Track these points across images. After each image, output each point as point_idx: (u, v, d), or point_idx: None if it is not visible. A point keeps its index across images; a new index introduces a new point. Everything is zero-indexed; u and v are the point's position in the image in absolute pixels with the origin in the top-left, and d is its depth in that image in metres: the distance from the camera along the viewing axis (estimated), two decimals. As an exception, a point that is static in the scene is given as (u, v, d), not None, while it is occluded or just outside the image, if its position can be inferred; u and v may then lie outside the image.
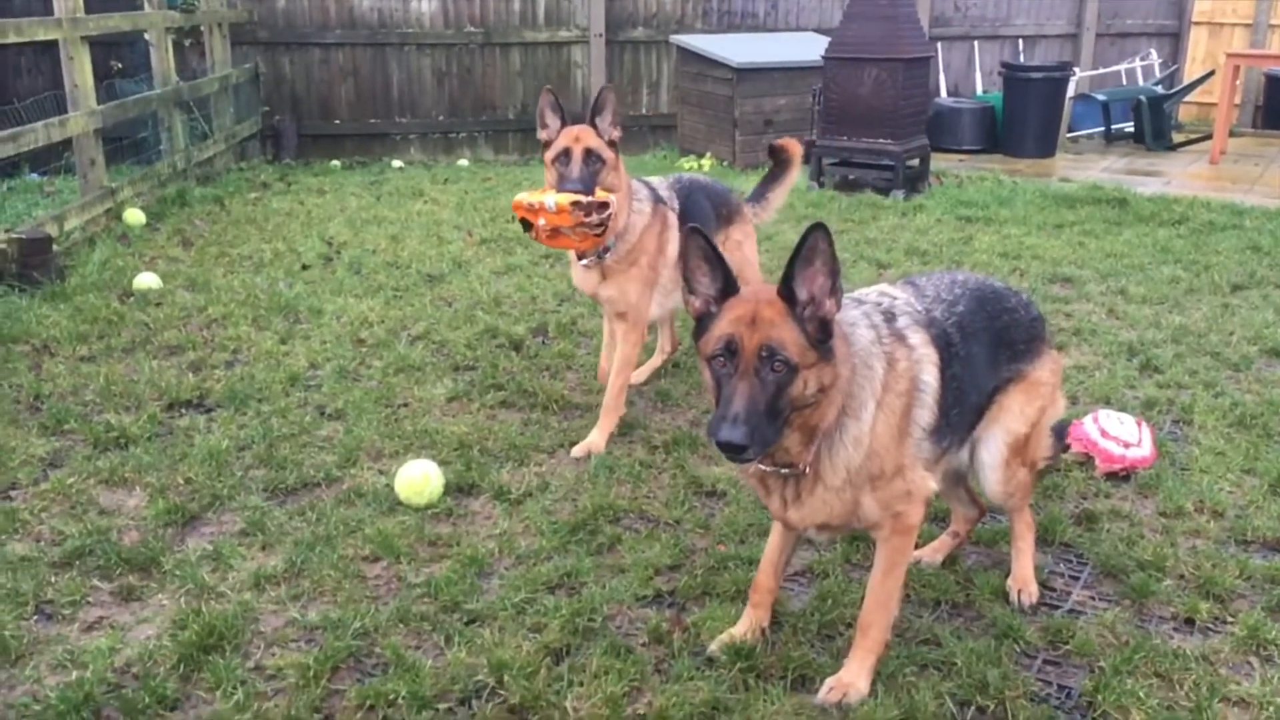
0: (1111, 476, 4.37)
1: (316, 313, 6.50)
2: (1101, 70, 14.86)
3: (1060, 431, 3.86)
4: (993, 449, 3.32)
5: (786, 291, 2.61)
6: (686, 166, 11.95)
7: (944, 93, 14.22)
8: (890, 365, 2.89)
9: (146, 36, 10.12)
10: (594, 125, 4.57)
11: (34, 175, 10.62)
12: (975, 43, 14.69)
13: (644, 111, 13.85)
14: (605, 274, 4.77)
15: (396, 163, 12.78)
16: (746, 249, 5.39)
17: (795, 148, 5.72)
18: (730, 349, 2.58)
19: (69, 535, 3.83)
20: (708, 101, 12.16)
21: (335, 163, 12.63)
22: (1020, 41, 14.91)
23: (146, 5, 10.00)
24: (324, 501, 4.14)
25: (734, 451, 2.52)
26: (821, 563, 3.74)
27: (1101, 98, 13.56)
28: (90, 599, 3.50)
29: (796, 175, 5.81)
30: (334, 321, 6.34)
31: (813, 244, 2.56)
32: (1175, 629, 3.39)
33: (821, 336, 2.62)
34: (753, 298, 2.64)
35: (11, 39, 7.60)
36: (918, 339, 2.99)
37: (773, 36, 13.29)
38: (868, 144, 10.31)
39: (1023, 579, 3.54)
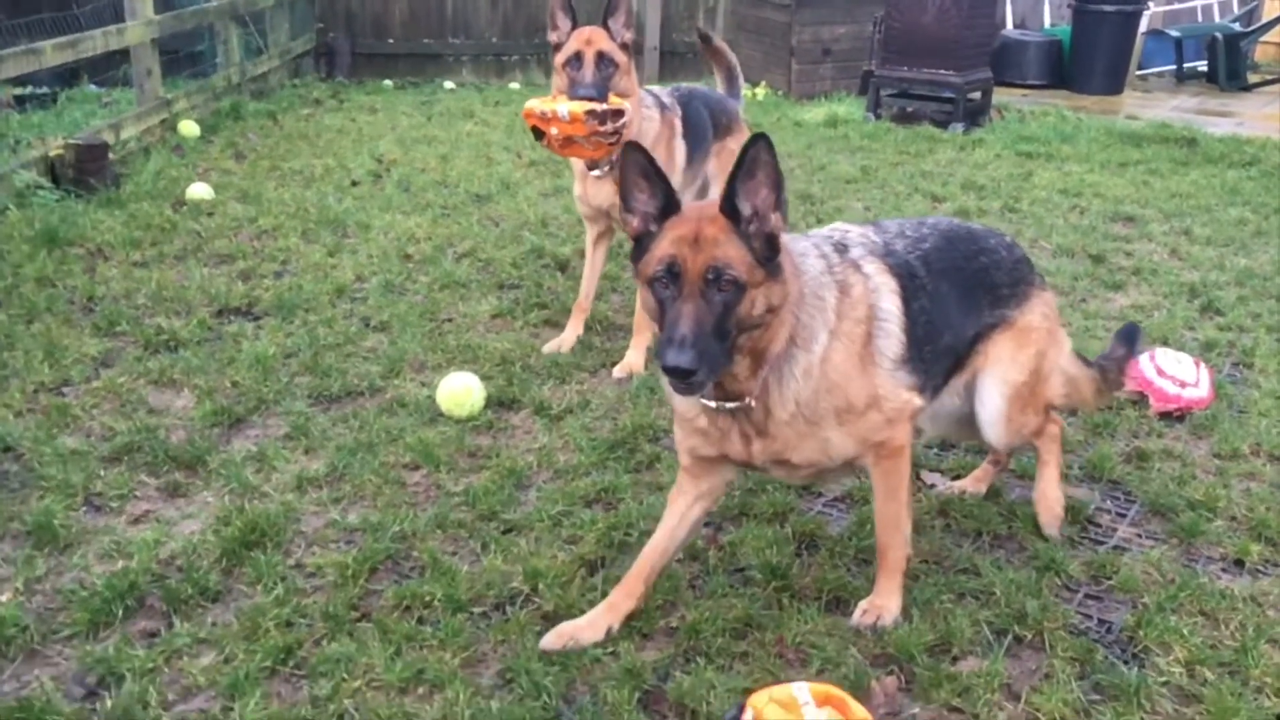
0: (1165, 416, 4.27)
1: (364, 228, 6.51)
2: (1176, 6, 14.32)
3: (1129, 337, 3.64)
4: (989, 402, 3.17)
5: (729, 207, 2.48)
6: (742, 95, 11.72)
7: (1010, 25, 13.80)
8: (843, 292, 2.74)
9: (203, -52, 10.07)
10: (606, 27, 4.44)
11: (93, 86, 10.68)
12: (1046, -26, 14.21)
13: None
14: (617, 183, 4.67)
15: (448, 84, 12.69)
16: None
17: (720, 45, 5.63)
18: (673, 271, 2.45)
19: (118, 432, 3.90)
20: (765, 28, 11.91)
21: (388, 82, 12.57)
22: (1093, -26, 14.38)
23: (204, -85, 9.94)
24: (367, 410, 4.17)
25: (683, 376, 2.39)
26: (862, 489, 3.69)
27: (1175, 34, 13.08)
28: (138, 493, 3.57)
29: (726, 57, 5.62)
30: (381, 237, 6.34)
31: (754, 155, 2.43)
32: (1223, 569, 3.32)
33: (768, 253, 2.50)
34: (694, 215, 2.51)
35: (70, -56, 7.58)
36: (872, 267, 2.85)
37: (835, -37, 12.92)
38: (928, 75, 10.05)
39: (1048, 501, 3.45)
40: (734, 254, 2.44)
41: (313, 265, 5.80)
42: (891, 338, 2.81)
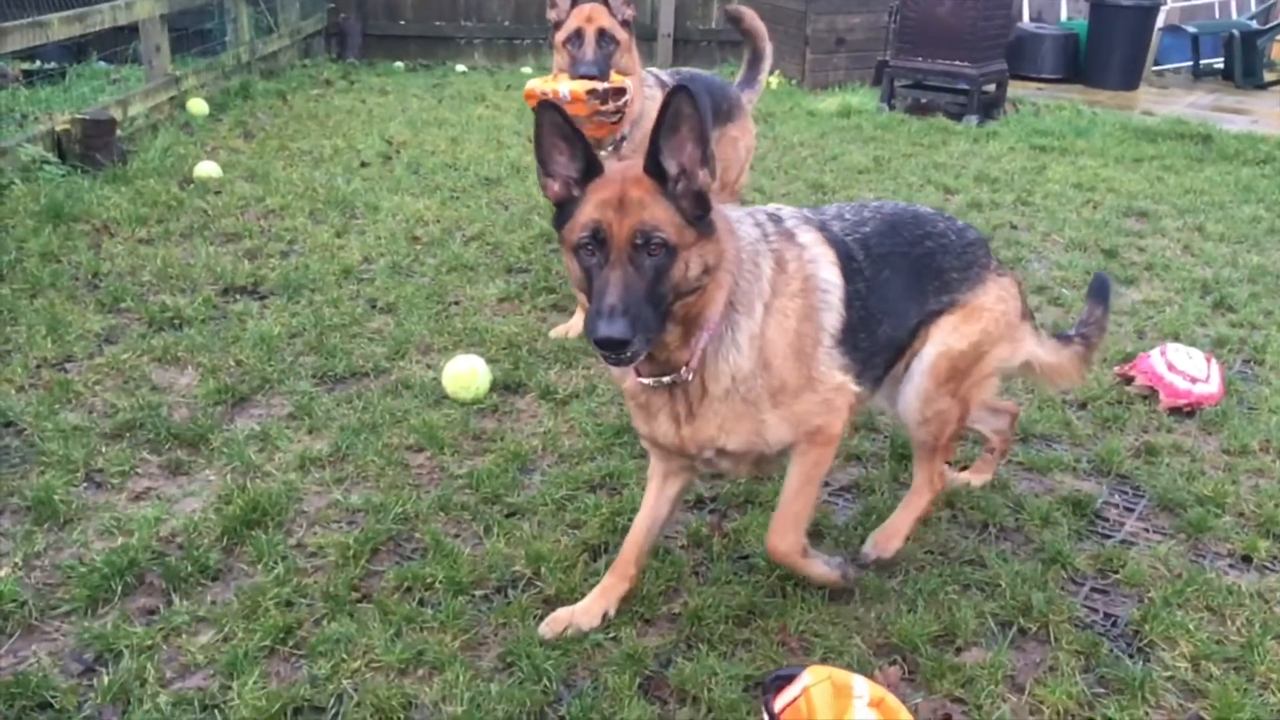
0: (1175, 411, 4.23)
1: (373, 209, 6.48)
2: (1193, 2, 14.20)
3: (1101, 292, 3.49)
4: (923, 362, 2.96)
5: (654, 167, 2.35)
6: (754, 83, 11.66)
7: (1026, 18, 13.70)
8: (779, 265, 2.60)
9: (215, -75, 10.03)
10: (606, 3, 4.39)
11: (102, 63, 10.64)
12: (1062, -32, 14.10)
13: (714, 25, 13.50)
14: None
15: (460, 67, 12.64)
16: (742, 146, 5.21)
17: (751, 14, 5.51)
18: (598, 236, 2.31)
19: (121, 408, 3.88)
20: (779, 17, 11.80)
21: (399, 64, 12.52)
22: (1110, -32, 14.27)
23: (216, -108, 9.90)
24: (371, 391, 4.14)
25: (616, 348, 2.24)
26: (869, 479, 3.67)
27: (1191, 30, 12.97)
28: (139, 470, 3.55)
29: (769, 47, 5.54)
30: (390, 218, 6.31)
31: (676, 109, 2.29)
32: (1231, 565, 3.29)
33: (698, 212, 2.36)
34: (618, 177, 2.37)
35: (81, -82, 7.55)
36: (809, 238, 2.71)
37: (851, -48, 12.83)
38: (943, 66, 9.98)
39: (891, 532, 3.19)
40: (662, 215, 2.31)
41: (320, 245, 5.77)
42: (832, 310, 2.68)
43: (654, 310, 2.31)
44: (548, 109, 2.40)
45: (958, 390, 3.01)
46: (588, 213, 2.34)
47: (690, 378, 2.51)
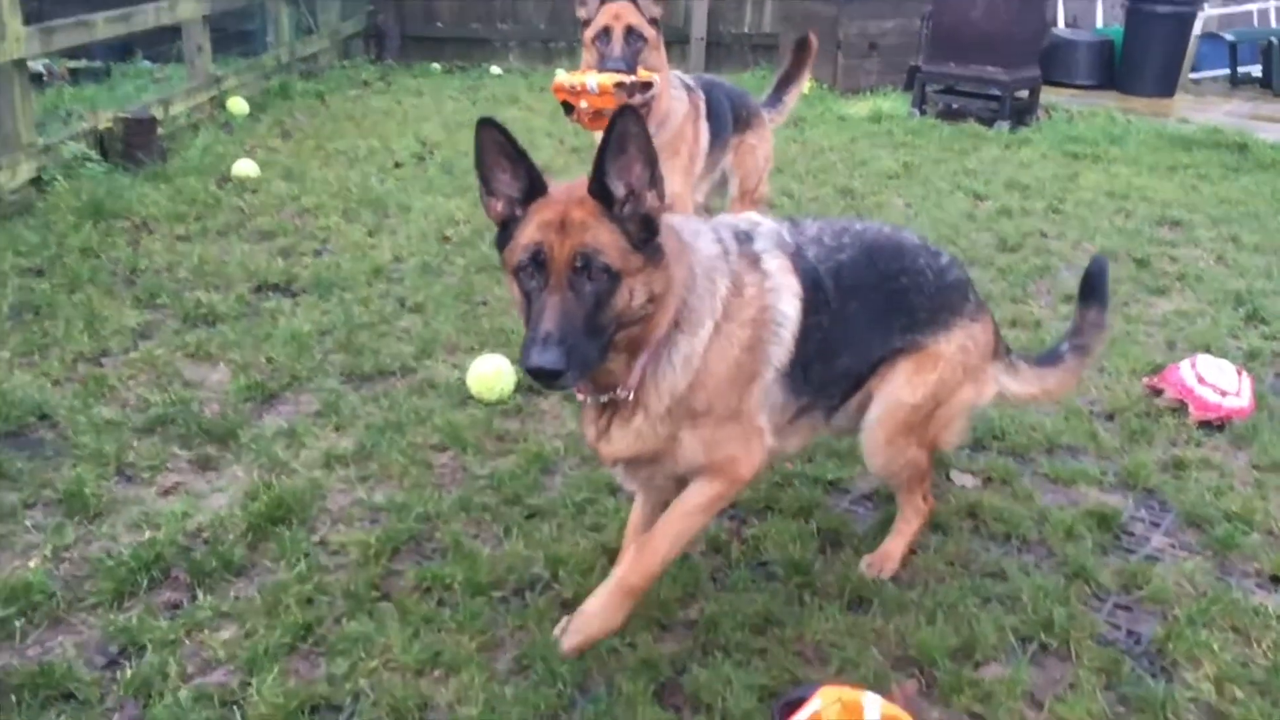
0: (1205, 425, 4.18)
1: (405, 209, 6.53)
2: (1231, 9, 14.02)
3: (1096, 288, 3.27)
4: (870, 421, 2.89)
5: (599, 189, 2.25)
6: (787, 87, 11.64)
7: (1061, 24, 13.58)
8: (736, 288, 2.49)
9: (258, -74, 10.15)
10: (635, 2, 4.41)
11: (146, 62, 10.80)
12: (1101, -27, 13.96)
13: (745, 30, 13.48)
14: None
15: (495, 69, 12.70)
16: (760, 153, 5.25)
17: (815, 49, 5.53)
18: (538, 259, 2.21)
19: (153, 403, 3.94)
20: (812, 21, 11.73)
21: (435, 65, 12.60)
22: (1150, -25, 14.11)
23: (258, -106, 10.01)
24: (397, 390, 4.19)
25: (547, 379, 2.16)
26: (888, 487, 3.65)
27: (1229, 38, 12.80)
28: (169, 465, 3.61)
29: (808, 75, 5.62)
30: (421, 218, 6.36)
31: (623, 129, 2.21)
32: (1258, 584, 3.26)
33: (645, 235, 2.26)
34: (562, 198, 2.27)
35: (124, -80, 7.67)
36: (776, 264, 2.59)
37: (887, -44, 12.78)
38: (976, 71, 9.91)
39: (885, 554, 3.17)
40: (606, 239, 2.22)
41: (352, 244, 5.84)
42: (781, 345, 2.58)
43: (593, 340, 2.22)
44: (488, 126, 2.30)
45: (921, 440, 2.96)
46: (529, 234, 2.25)
47: (628, 397, 2.43)
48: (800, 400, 2.72)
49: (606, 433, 2.51)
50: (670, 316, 2.38)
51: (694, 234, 2.52)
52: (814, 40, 5.57)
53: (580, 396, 2.49)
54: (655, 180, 2.27)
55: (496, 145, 2.30)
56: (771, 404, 2.64)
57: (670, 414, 2.46)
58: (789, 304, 2.58)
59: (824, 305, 2.66)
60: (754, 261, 2.57)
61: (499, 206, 2.35)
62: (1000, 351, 3.12)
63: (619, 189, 2.27)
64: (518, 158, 2.30)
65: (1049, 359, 3.26)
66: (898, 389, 2.86)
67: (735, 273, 2.51)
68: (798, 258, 2.66)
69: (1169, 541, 3.46)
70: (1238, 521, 3.52)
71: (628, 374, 2.40)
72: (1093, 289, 3.26)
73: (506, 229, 2.33)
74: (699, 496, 2.60)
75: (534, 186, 2.31)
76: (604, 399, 2.45)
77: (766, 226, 2.71)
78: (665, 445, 2.50)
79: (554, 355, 2.12)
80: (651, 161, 2.26)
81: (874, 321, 2.81)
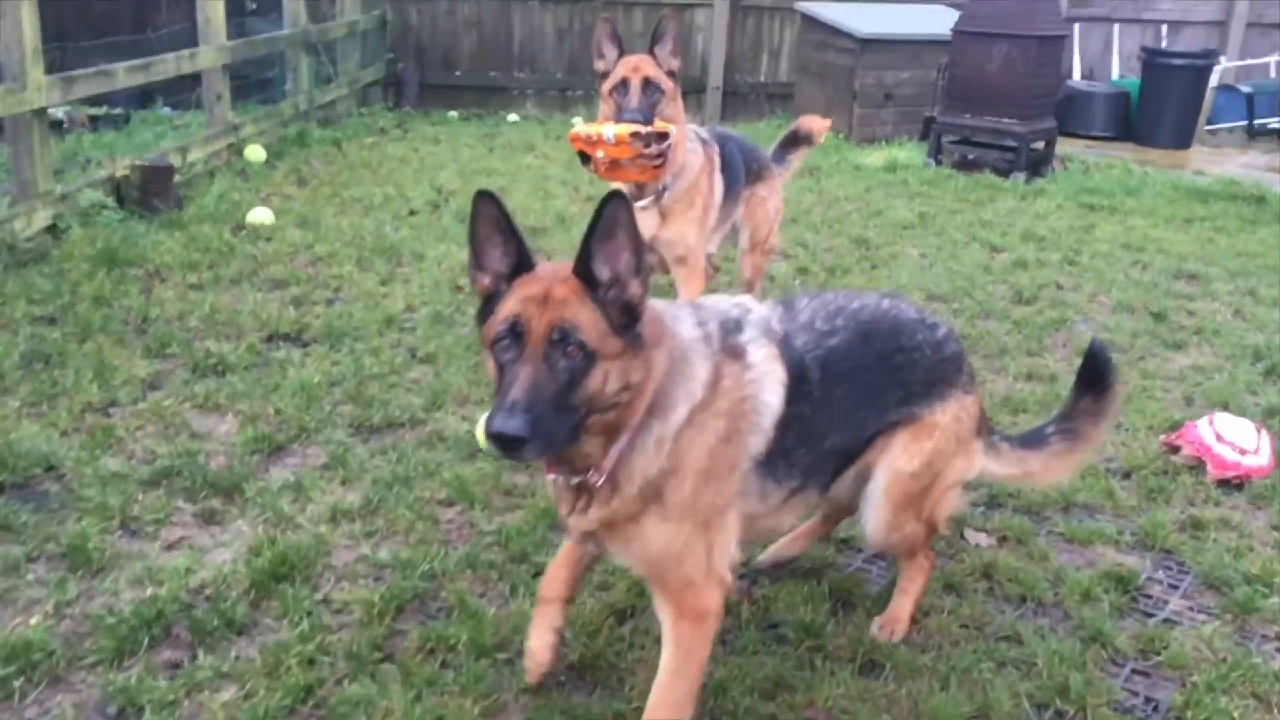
0: (1224, 484, 4.12)
1: (418, 257, 6.55)
2: (1248, 61, 14.04)
3: (1099, 371, 3.09)
4: (876, 488, 2.86)
5: (584, 270, 2.24)
6: (802, 136, 11.69)
7: (1077, 75, 13.63)
8: (715, 379, 2.45)
9: (279, -23, 10.30)
10: (653, 55, 4.44)
11: (166, 109, 10.94)
12: (1115, 25, 14.02)
13: (762, 79, 13.59)
14: (663, 216, 4.64)
15: (512, 116, 12.82)
16: (771, 205, 5.30)
17: (820, 128, 5.64)
18: (516, 330, 2.19)
19: (160, 455, 3.92)
20: (828, 71, 11.88)
21: (453, 113, 12.73)
22: (1164, 27, 14.18)
23: (280, -54, 10.17)
24: (406, 442, 4.16)
25: (509, 446, 2.10)
26: (902, 547, 3.60)
27: (1246, 90, 12.81)
28: (174, 519, 3.58)
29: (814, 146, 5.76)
30: (435, 267, 6.37)
31: (611, 215, 2.20)
32: (1279, 649, 3.18)
33: (626, 321, 2.24)
34: (547, 275, 2.26)
35: (147, -29, 7.80)
36: (760, 354, 2.55)
37: (901, 8, 12.86)
38: (991, 123, 9.94)
39: (894, 618, 3.13)
40: (585, 317, 2.19)
41: (365, 293, 5.84)
42: (761, 434, 2.53)
43: (561, 417, 2.17)
44: (484, 199, 2.30)
45: (920, 513, 2.92)
46: (509, 306, 2.24)
47: (599, 482, 2.36)
48: (789, 484, 2.68)
49: (584, 512, 2.44)
50: (646, 403, 2.33)
51: (675, 319, 2.48)
52: (818, 134, 5.68)
53: (550, 475, 2.43)
54: (640, 268, 2.26)
55: (491, 219, 2.30)
56: (750, 493, 2.59)
57: (641, 495, 2.39)
58: (772, 392, 2.55)
59: (806, 396, 2.62)
60: (738, 351, 2.53)
61: (486, 281, 2.34)
62: (984, 429, 3.08)
63: (604, 273, 2.25)
64: (510, 234, 2.30)
65: (1033, 441, 3.17)
66: (895, 458, 2.84)
67: (716, 362, 2.47)
68: (785, 346, 2.63)
69: (1187, 604, 3.39)
70: (1258, 584, 3.45)
71: (602, 458, 2.34)
72: (1089, 374, 3.13)
73: (489, 303, 2.32)
74: (676, 653, 2.49)
75: (522, 263, 2.31)
76: (575, 481, 2.39)
77: (756, 315, 2.67)
78: (631, 527, 2.43)
79: (518, 423, 2.08)
80: (638, 249, 2.25)
81: (866, 401, 2.79)
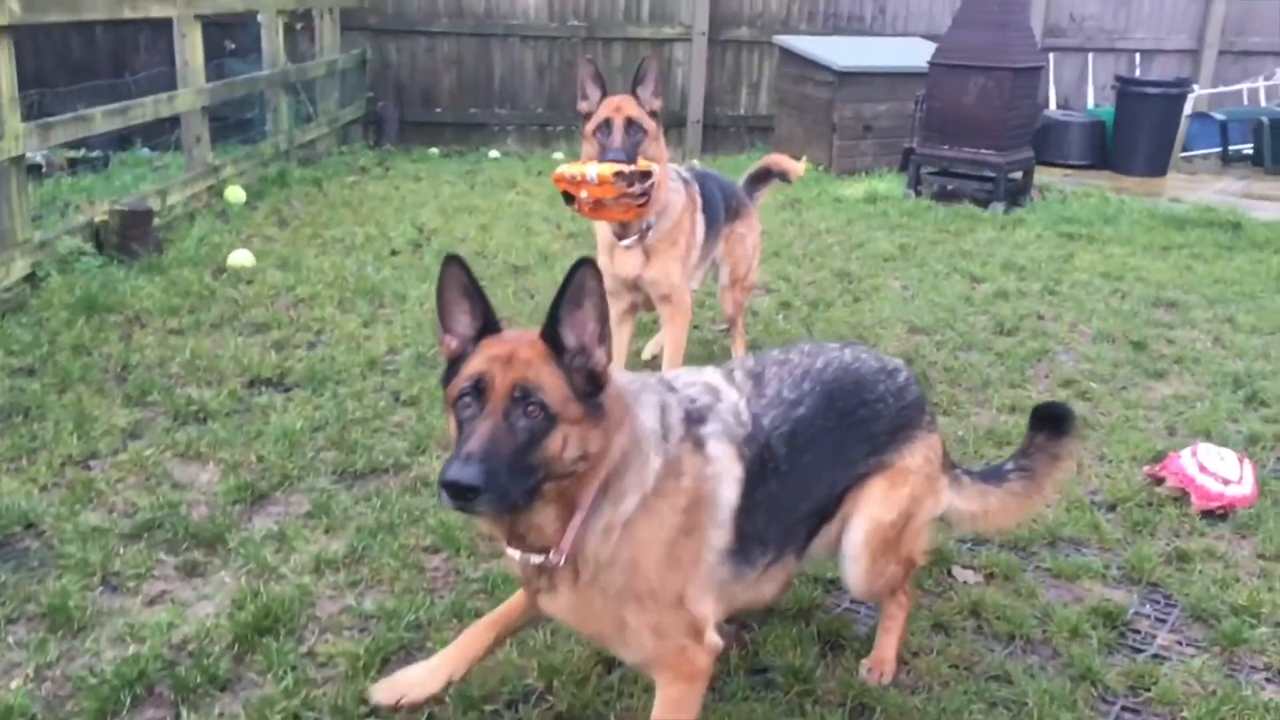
0: (1208, 514, 4.13)
1: (400, 298, 6.54)
2: (1221, 89, 14.24)
3: (1054, 417, 3.19)
4: (852, 543, 2.85)
5: (551, 335, 2.26)
6: (782, 169, 11.77)
7: (1053, 105, 13.78)
8: (671, 471, 2.43)
9: (259, 18, 10.32)
10: (635, 95, 4.49)
11: (145, 150, 10.92)
12: (1089, 55, 14.20)
13: (742, 112, 13.70)
14: (647, 255, 4.67)
15: (493, 153, 12.86)
16: (749, 241, 5.36)
17: (795, 170, 5.77)
18: (479, 387, 2.19)
19: (141, 508, 3.89)
20: (807, 104, 11.98)
21: (433, 150, 12.76)
22: (1137, 55, 14.38)
23: (259, -12, 10.21)
24: (390, 488, 4.13)
25: (461, 495, 2.08)
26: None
27: (1220, 117, 12.98)
28: (155, 572, 3.54)
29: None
30: (417, 307, 6.36)
31: (580, 283, 2.22)
32: (1268, 679, 3.20)
33: (589, 389, 2.25)
34: (513, 338, 2.30)
35: (127, 13, 7.79)
36: (720, 450, 2.54)
37: (878, 41, 13.03)
38: (969, 154, 10.03)
39: (880, 659, 3.12)
40: (548, 380, 2.20)
41: (347, 335, 5.82)
42: (722, 529, 2.53)
43: (516, 477, 2.14)
44: (452, 264, 2.32)
45: (898, 558, 2.94)
46: (474, 365, 2.24)
47: (560, 562, 2.35)
48: (763, 561, 2.68)
49: (553, 590, 2.44)
50: (599, 481, 2.32)
51: (639, 403, 2.46)
52: (794, 174, 5.82)
53: (510, 551, 2.41)
54: (605, 336, 2.27)
55: (459, 284, 2.33)
56: (726, 579, 2.58)
57: (603, 589, 2.39)
58: (729, 490, 2.54)
59: (773, 474, 2.64)
60: (699, 443, 2.52)
61: (454, 344, 2.36)
62: (947, 463, 3.10)
63: (570, 339, 2.27)
64: (477, 297, 2.33)
65: (993, 476, 3.19)
66: (872, 508, 2.85)
67: (675, 455, 2.45)
68: (749, 441, 2.61)
69: (1175, 638, 3.39)
70: (1245, 615, 3.46)
71: (559, 537, 2.33)
72: (1046, 412, 3.21)
73: (454, 365, 2.33)
74: (667, 710, 2.52)
75: (488, 326, 2.33)
76: (535, 561, 2.37)
77: (725, 404, 2.65)
78: (612, 630, 2.45)
79: (473, 472, 2.07)
80: (604, 319, 2.27)
81: (835, 461, 2.81)
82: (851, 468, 2.85)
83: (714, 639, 2.55)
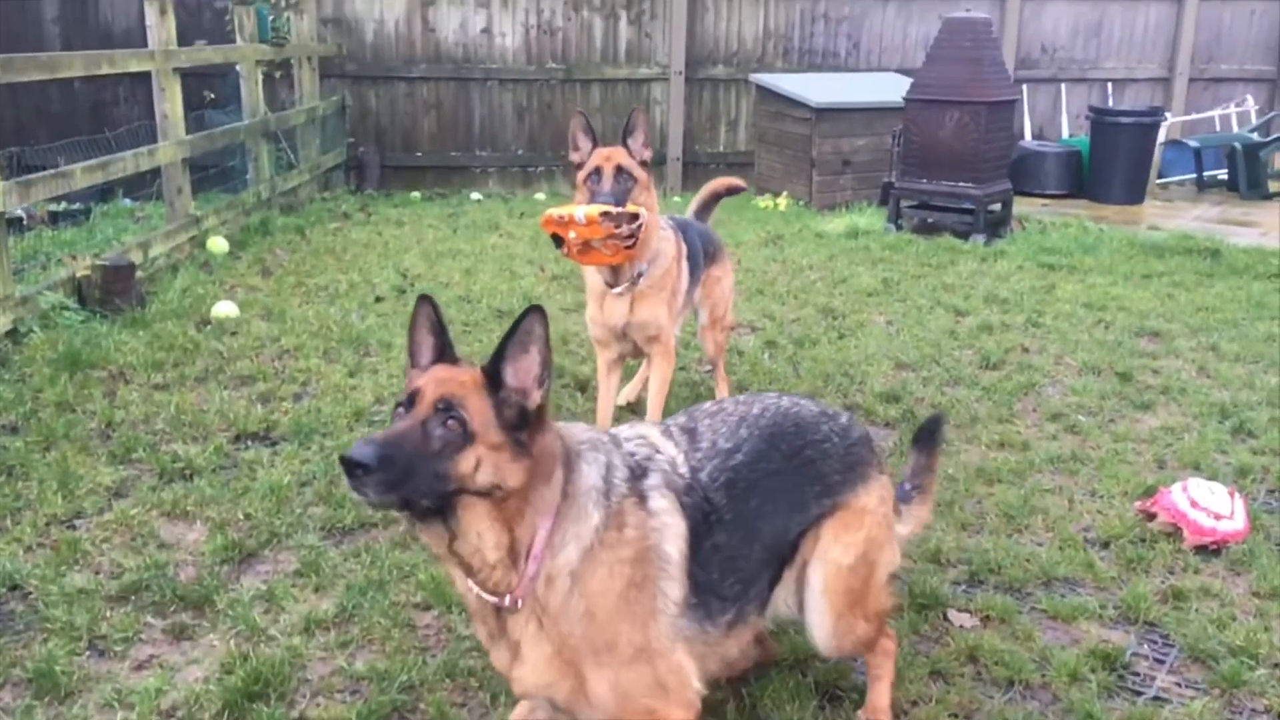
0: (1201, 550, 4.12)
1: (386, 346, 6.52)
2: (1194, 116, 14.44)
3: (929, 437, 3.40)
4: (814, 587, 2.82)
5: (494, 371, 2.34)
6: (762, 205, 11.85)
7: (1028, 135, 13.93)
8: (615, 524, 2.46)
9: (238, 69, 10.35)
10: (625, 146, 4.56)
11: (127, 200, 10.91)
12: (1062, 85, 14.40)
13: (721, 149, 13.81)
14: (635, 301, 4.73)
15: (475, 195, 12.90)
16: (725, 284, 5.46)
17: (732, 185, 5.87)
18: (412, 399, 2.31)
19: (127, 568, 3.83)
20: (786, 141, 12.07)
21: (415, 194, 12.79)
22: (1109, 85, 14.58)
23: (239, 38, 10.25)
24: (379, 544, 4.09)
25: (352, 470, 2.15)
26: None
27: (1194, 144, 13.14)
28: (143, 636, 3.49)
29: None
30: (402, 355, 6.32)
31: (528, 328, 2.32)
32: (1268, 722, 3.17)
33: (516, 424, 2.31)
34: (457, 368, 2.40)
35: (105, 70, 7.82)
36: (661, 504, 2.55)
37: (853, 77, 13.17)
38: (948, 187, 10.11)
39: (874, 708, 3.08)
40: (474, 402, 2.28)
41: (333, 387, 5.79)
42: (674, 582, 2.53)
43: (421, 477, 2.20)
44: (424, 303, 2.45)
45: (866, 612, 2.89)
46: (415, 382, 2.35)
47: (518, 607, 2.39)
48: (726, 617, 2.67)
49: (519, 656, 2.45)
50: (531, 523, 2.36)
51: (583, 458, 2.50)
52: (736, 189, 5.94)
53: (465, 585, 2.43)
54: (544, 380, 2.35)
55: (429, 322, 2.45)
56: (689, 636, 2.57)
57: (561, 641, 2.41)
58: (673, 545, 2.54)
59: (718, 524, 2.64)
60: (640, 500, 2.54)
61: (417, 379, 2.41)
62: (896, 506, 3.14)
63: (510, 378, 2.34)
64: (440, 332, 2.45)
65: (905, 497, 3.28)
66: (828, 550, 2.82)
67: (617, 509, 2.48)
68: (689, 492, 2.62)
69: (1174, 680, 3.37)
70: (1243, 655, 3.43)
71: (510, 576, 2.37)
72: (924, 435, 3.40)
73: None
74: None
75: (443, 358, 2.44)
76: (494, 601, 2.40)
77: (663, 456, 2.66)
78: (573, 687, 2.44)
79: (368, 452, 2.15)
80: (546, 364, 2.35)
81: (785, 502, 2.79)
82: (804, 510, 2.82)
83: (692, 697, 2.52)
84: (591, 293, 4.86)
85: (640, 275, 4.66)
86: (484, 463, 2.26)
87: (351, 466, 2.15)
